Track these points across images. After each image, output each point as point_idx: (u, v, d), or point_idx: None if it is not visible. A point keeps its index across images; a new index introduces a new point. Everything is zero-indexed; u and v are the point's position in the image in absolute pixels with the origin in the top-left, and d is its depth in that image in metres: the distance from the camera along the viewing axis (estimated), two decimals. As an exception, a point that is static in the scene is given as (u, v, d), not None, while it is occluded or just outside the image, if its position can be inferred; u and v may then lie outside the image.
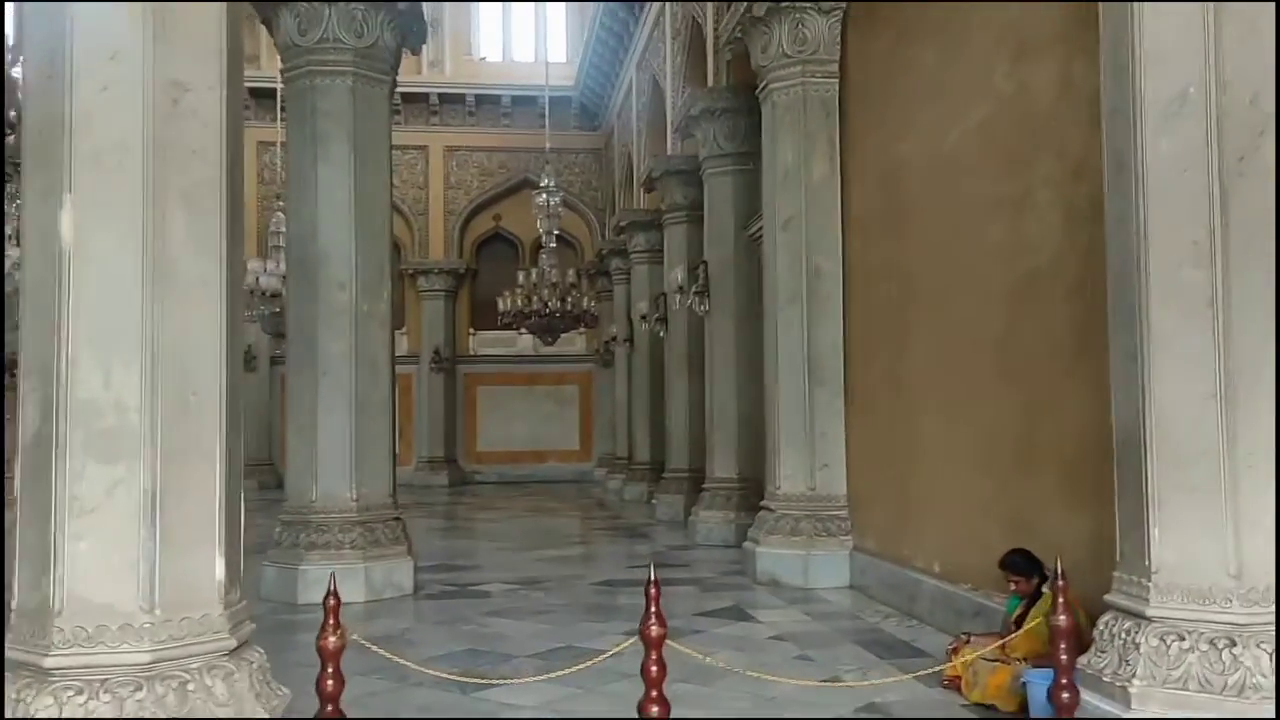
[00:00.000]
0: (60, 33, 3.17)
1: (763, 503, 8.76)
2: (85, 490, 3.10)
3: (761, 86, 8.72)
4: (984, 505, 5.97)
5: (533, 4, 23.33)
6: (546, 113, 17.45)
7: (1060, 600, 3.75)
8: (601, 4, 17.48)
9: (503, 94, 22.44)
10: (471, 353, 23.29)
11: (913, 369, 7.05)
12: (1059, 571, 3.81)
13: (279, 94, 14.98)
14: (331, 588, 3.32)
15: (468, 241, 23.28)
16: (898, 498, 7.29)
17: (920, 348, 6.94)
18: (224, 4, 3.35)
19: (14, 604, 3.18)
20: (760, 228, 10.63)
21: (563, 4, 23.55)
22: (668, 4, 14.12)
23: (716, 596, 7.76)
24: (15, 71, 5.33)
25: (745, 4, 8.41)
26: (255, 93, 19.46)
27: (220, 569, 3.29)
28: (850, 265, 8.21)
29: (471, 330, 23.41)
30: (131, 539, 3.13)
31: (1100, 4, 4.10)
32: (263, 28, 19.37)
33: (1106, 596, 3.94)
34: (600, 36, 18.71)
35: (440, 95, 22.14)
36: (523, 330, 20.11)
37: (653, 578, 3.49)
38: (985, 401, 5.98)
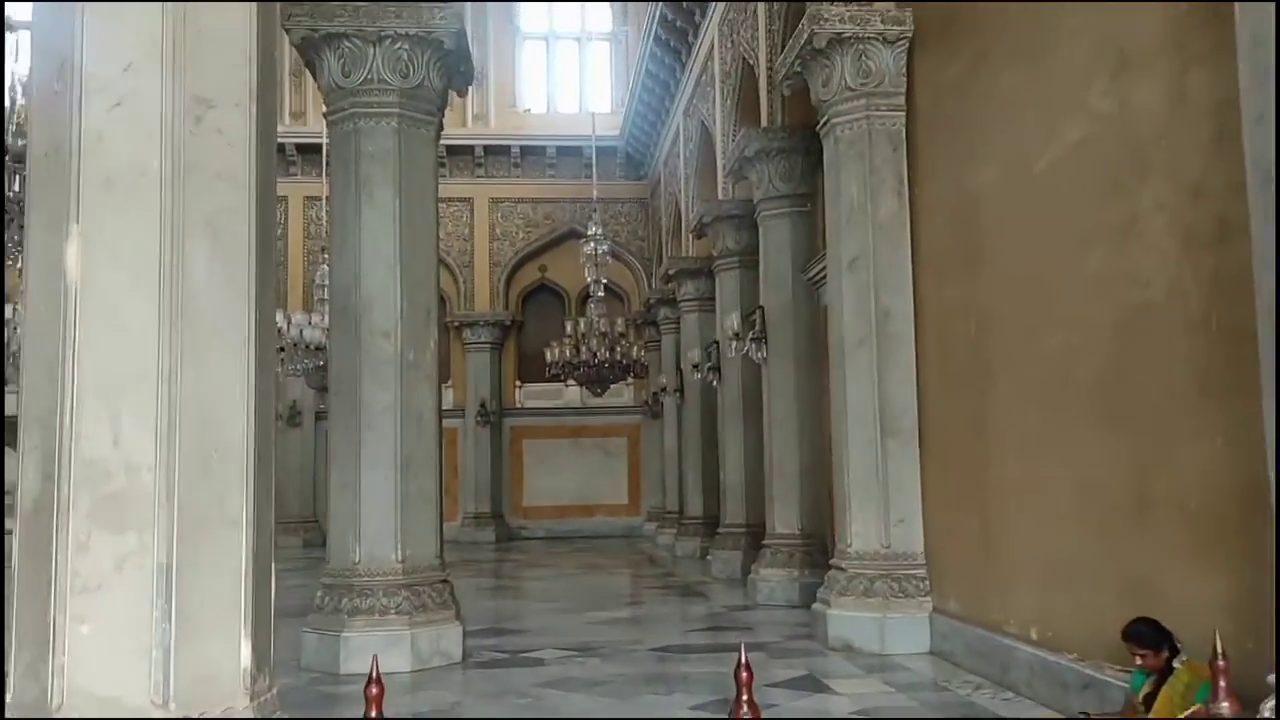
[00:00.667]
0: (69, 40, 2.81)
1: (832, 561, 8.19)
2: (90, 564, 2.67)
3: (822, 122, 8.31)
4: (1088, 564, 5.40)
5: (577, 57, 23.30)
6: (594, 162, 17.23)
7: (1223, 685, 3.18)
8: (647, 52, 17.26)
9: (548, 145, 22.32)
10: (518, 405, 22.93)
11: (998, 414, 6.51)
12: (1219, 650, 3.25)
13: (324, 149, 14.92)
14: (374, 674, 2.84)
15: (513, 293, 23.05)
16: (983, 556, 6.71)
17: (1006, 391, 6.40)
18: (254, 4, 2.97)
19: (9, 695, 2.75)
20: (820, 270, 10.18)
21: (606, 55, 23.50)
22: (716, 48, 13.83)
23: (787, 664, 7.18)
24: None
25: (805, 37, 8.03)
26: (301, 148, 19.45)
27: (246, 655, 2.84)
28: (922, 305, 7.71)
29: (518, 383, 23.08)
30: (143, 621, 2.69)
31: (1236, 3, 3.63)
32: (307, 80, 19.60)
33: (1273, 678, 3.38)
34: (646, 85, 18.50)
35: (485, 147, 22.04)
36: (569, 382, 19.76)
37: (743, 660, 2.98)
38: (1085, 448, 5.43)
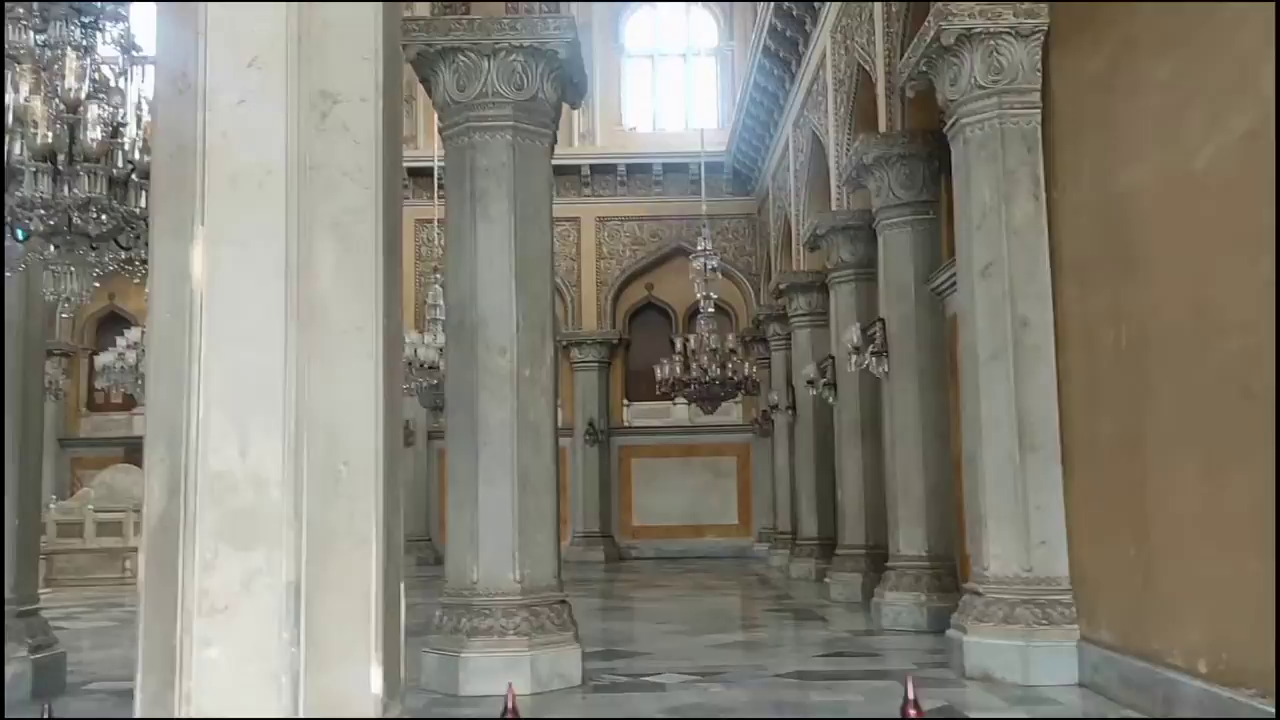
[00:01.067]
0: (193, 38, 2.69)
1: (967, 585, 7.76)
2: (218, 583, 2.53)
3: (950, 124, 7.93)
4: (1269, 591, 4.90)
5: (681, 74, 23.20)
6: (702, 177, 17.02)
7: None
8: (755, 64, 17.02)
9: (653, 162, 22.24)
10: (625, 424, 22.80)
11: (1155, 428, 6.03)
12: None
13: (435, 172, 15.06)
14: (510, 703, 2.64)
15: (620, 311, 22.98)
16: (1140, 580, 6.22)
17: (1164, 402, 5.92)
18: (380, 4, 2.82)
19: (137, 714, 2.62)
20: (946, 280, 9.77)
21: (711, 71, 23.35)
22: (829, 56, 13.50)
23: (924, 694, 6.75)
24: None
25: (931, 35, 7.68)
26: (412, 172, 19.72)
27: (377, 679, 2.67)
28: (1063, 313, 7.25)
29: (625, 401, 22.96)
30: (271, 643, 2.53)
31: None
32: (416, 105, 19.89)
33: None
34: (753, 98, 18.25)
35: (591, 166, 22.06)
36: (678, 400, 19.53)
37: (909, 695, 2.69)
38: (1264, 464, 4.94)
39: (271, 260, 2.65)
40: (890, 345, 10.36)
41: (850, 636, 9.66)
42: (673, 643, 9.49)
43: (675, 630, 10.41)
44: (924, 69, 7.99)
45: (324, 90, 2.74)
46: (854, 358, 10.82)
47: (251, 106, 2.67)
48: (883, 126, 10.74)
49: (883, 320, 10.57)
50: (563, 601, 7.44)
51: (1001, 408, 7.38)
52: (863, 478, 12.57)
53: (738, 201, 22.27)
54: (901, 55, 9.40)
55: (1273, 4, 4.81)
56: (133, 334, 14.18)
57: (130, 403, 20.93)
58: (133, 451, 21.67)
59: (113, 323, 21.47)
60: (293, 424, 2.62)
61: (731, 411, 21.65)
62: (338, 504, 2.66)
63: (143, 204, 4.90)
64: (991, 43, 7.50)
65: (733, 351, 15.69)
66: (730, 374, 15.18)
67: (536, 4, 7.52)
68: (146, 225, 5.06)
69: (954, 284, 8.90)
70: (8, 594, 7.09)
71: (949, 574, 10.00)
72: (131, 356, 13.88)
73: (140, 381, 14.30)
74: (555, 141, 7.97)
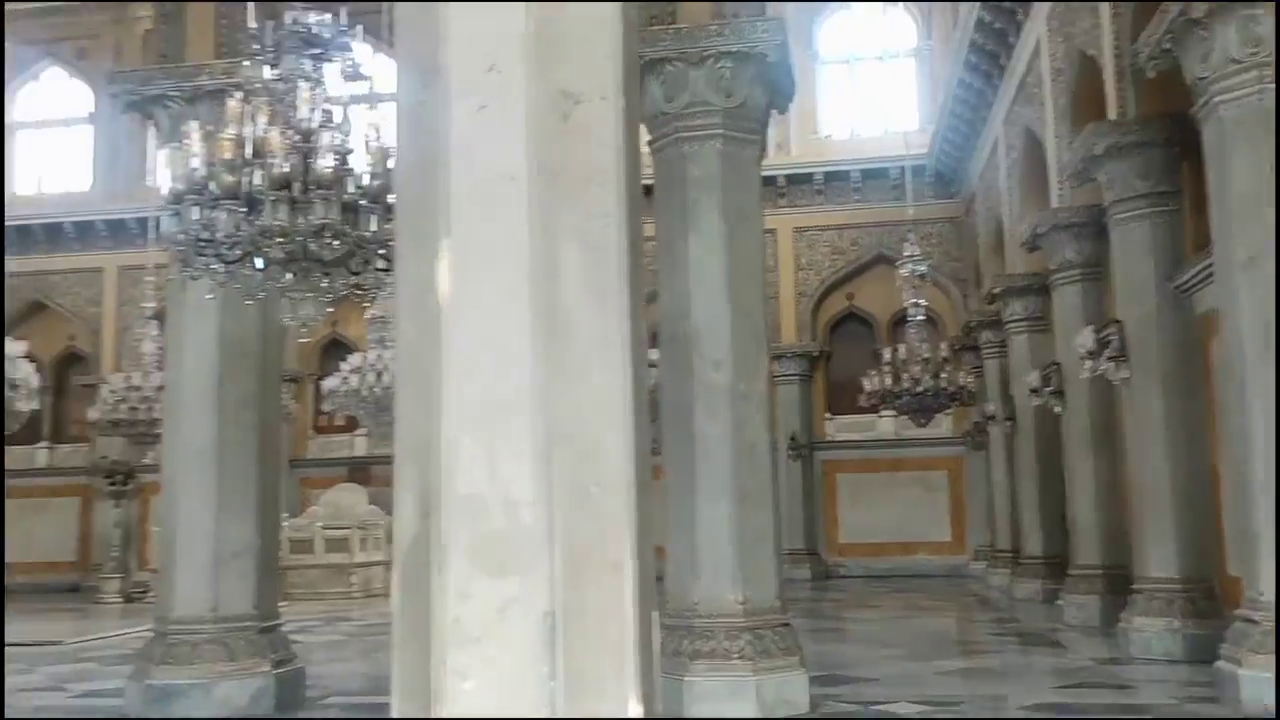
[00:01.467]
0: (433, 47, 2.61)
1: (1238, 611, 7.00)
2: (472, 611, 2.40)
3: (1200, 104, 7.24)
4: None
5: (878, 78, 22.61)
6: (907, 180, 16.45)
7: None
8: (961, 61, 16.31)
9: (851, 169, 21.70)
10: (828, 438, 22.26)
11: None
12: None
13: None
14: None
15: (820, 323, 22.50)
16: None
17: None
18: (619, 2, 2.67)
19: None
20: (1195, 275, 8.96)
21: (910, 73, 22.63)
22: (1044, 45, 12.74)
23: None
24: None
25: (1177, 9, 7.02)
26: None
27: (636, 713, 2.48)
28: (1345, 307, 6.45)
29: (828, 415, 22.43)
30: (529, 676, 2.39)
31: None
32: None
33: None
34: (958, 96, 17.49)
35: (788, 177, 21.70)
36: (884, 412, 18.88)
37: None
38: None
39: (516, 271, 2.53)
40: (1129, 348, 9.57)
41: (1094, 665, 8.93)
42: (896, 668, 9.03)
43: (896, 655, 9.93)
44: (1167, 46, 7.32)
45: (565, 90, 2.60)
46: (1087, 363, 10.06)
47: (492, 112, 2.56)
48: (1112, 114, 9.99)
49: (1118, 322, 9.79)
50: (786, 624, 7.17)
51: (1273, 411, 6.62)
52: (1096, 492, 11.71)
53: (941, 205, 21.42)
54: (1134, 38, 8.69)
55: None
56: (355, 359, 14.86)
57: (352, 425, 21.97)
58: (355, 471, 22.82)
59: (335, 349, 22.63)
60: (542, 443, 2.47)
61: (941, 424, 20.77)
62: (590, 527, 2.50)
63: (372, 228, 4.98)
64: (1247, 12, 6.79)
65: (945, 360, 15.00)
66: (944, 384, 14.50)
67: (743, 5, 7.33)
68: (376, 249, 5.16)
69: (1205, 279, 8.14)
70: (251, 609, 7.42)
71: (1206, 597, 9.11)
72: (354, 380, 14.54)
73: (362, 405, 14.96)
74: (764, 148, 7.77)
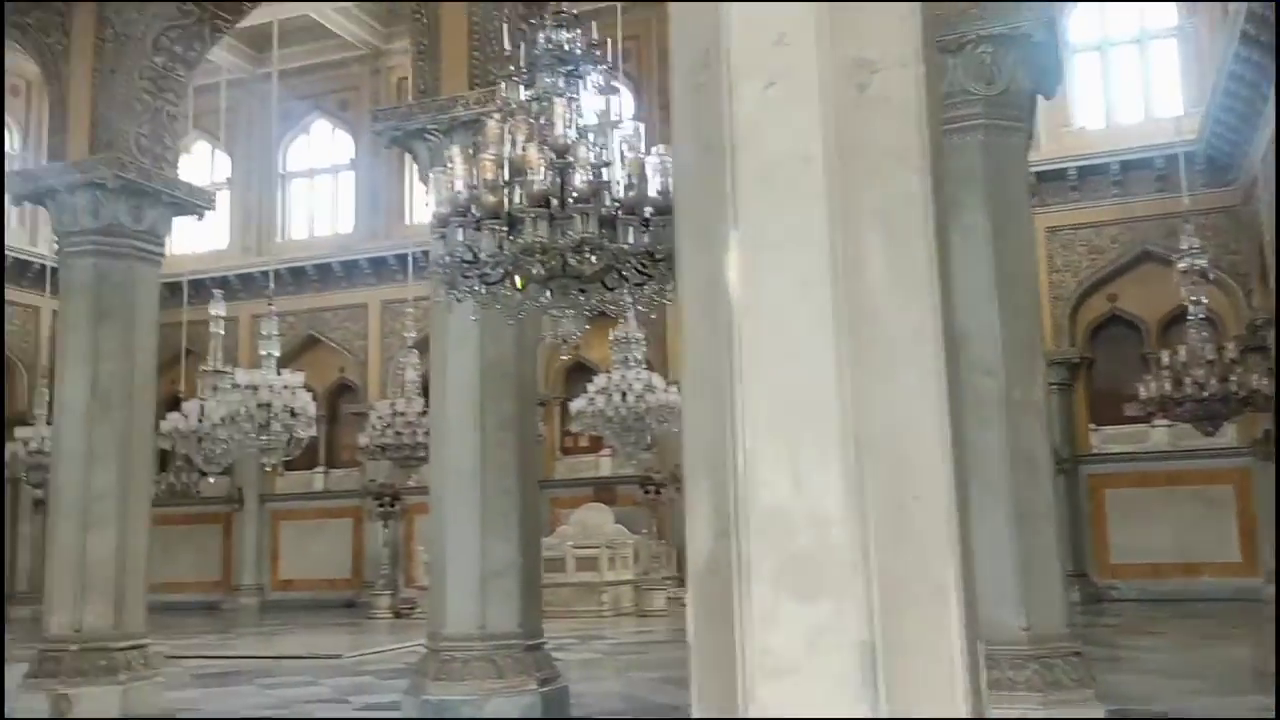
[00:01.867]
0: (712, 25, 2.42)
1: None
2: (779, 640, 2.17)
3: None
4: None
5: (1136, 62, 21.01)
6: (1181, 169, 15.07)
7: None
8: (1236, 33, 14.84)
9: (1110, 161, 20.20)
10: (1094, 451, 20.71)
11: None
12: None
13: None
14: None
15: (1080, 328, 21.03)
16: None
17: None
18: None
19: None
20: None
21: (1172, 54, 20.90)
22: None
23: None
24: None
25: None
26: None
27: (966, 762, 2.17)
28: None
29: (1092, 425, 20.89)
30: (845, 715, 2.12)
31: None
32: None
33: None
34: (1233, 73, 15.94)
35: (1038, 174, 20.40)
36: (1155, 422, 17.39)
37: None
38: None
39: (813, 261, 2.29)
40: None
41: None
42: (1201, 703, 8.12)
43: (1199, 688, 8.94)
44: None
45: (859, 58, 2.35)
46: None
47: (781, 88, 2.34)
48: None
49: None
50: (1077, 653, 6.54)
51: None
52: None
53: (1215, 194, 19.51)
54: None
55: None
56: (600, 380, 15.11)
57: (597, 445, 22.40)
58: (601, 491, 23.22)
59: (579, 372, 23.18)
60: (851, 451, 2.21)
61: (1225, 433, 18.90)
62: (909, 546, 2.22)
63: (630, 240, 4.89)
64: None
65: (1233, 362, 13.59)
66: (1234, 388, 13.13)
67: (1000, -16, 6.84)
68: (634, 263, 5.07)
69: None
70: (516, 628, 7.51)
71: None
72: (600, 401, 14.78)
73: (608, 425, 15.16)
74: (1031, 137, 7.20)
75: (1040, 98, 7.46)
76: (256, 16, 13.77)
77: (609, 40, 5.59)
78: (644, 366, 15.32)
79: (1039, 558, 6.54)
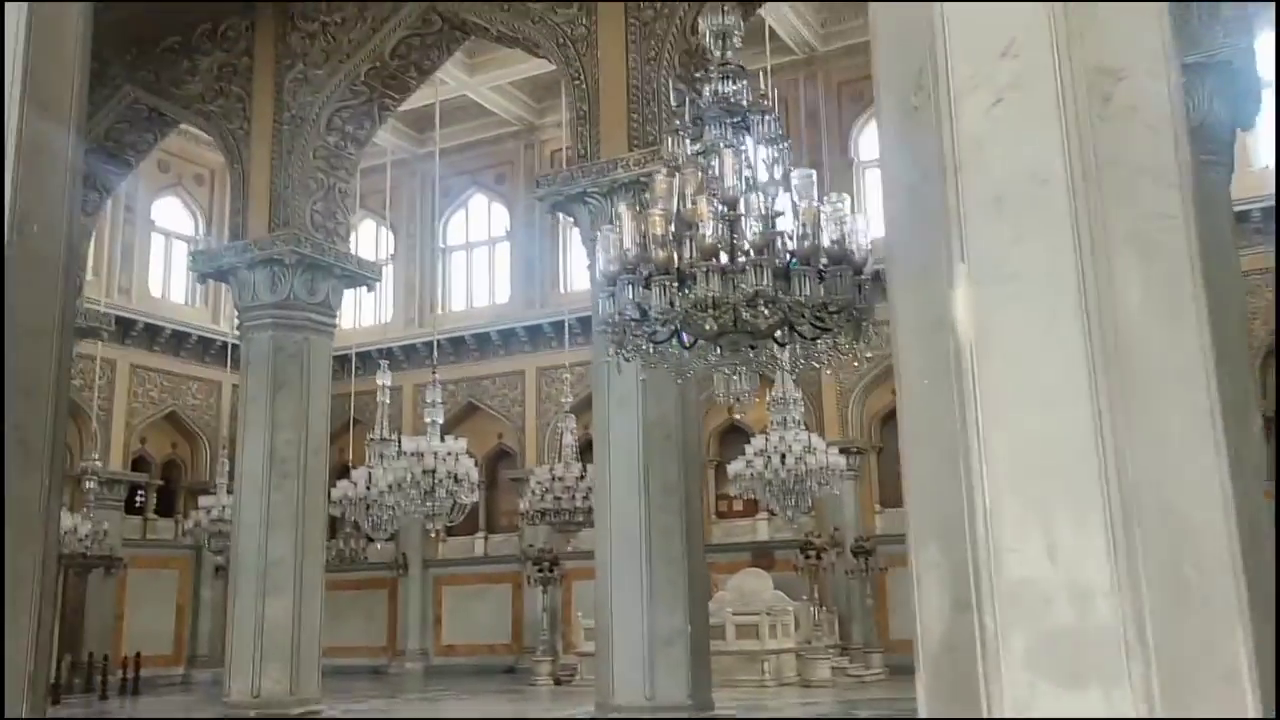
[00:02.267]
0: (926, 43, 2.20)
1: None
2: (1039, 730, 1.86)
3: None
4: None
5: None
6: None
7: None
8: None
9: (1302, 200, 18.78)
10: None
11: None
12: None
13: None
14: None
15: (1267, 380, 19.49)
16: None
17: None
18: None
19: None
20: None
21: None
22: None
23: None
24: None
25: None
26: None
27: None
28: None
29: (1294, 485, 19.26)
30: (1128, 823, 1.80)
31: None
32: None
33: None
34: None
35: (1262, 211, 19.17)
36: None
37: None
38: None
39: (1058, 295, 2.02)
40: None
41: None
42: None
43: None
44: None
45: (1102, 66, 2.09)
46: None
47: (1011, 105, 2.09)
48: None
49: None
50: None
51: None
52: None
53: None
54: None
55: None
56: (758, 442, 14.77)
57: (752, 508, 21.93)
58: (759, 556, 22.68)
59: (733, 434, 22.84)
60: (1116, 510, 1.91)
61: None
62: (1191, 624, 1.89)
63: (805, 292, 4.66)
64: None
65: None
66: None
67: (1195, 3, 6.40)
68: (809, 315, 4.83)
69: None
70: (686, 699, 7.23)
71: None
72: (759, 463, 14.43)
73: (766, 488, 14.78)
74: (1233, 171, 6.66)
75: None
76: (418, 98, 14.29)
77: (775, 89, 5.44)
78: (802, 428, 14.92)
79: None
